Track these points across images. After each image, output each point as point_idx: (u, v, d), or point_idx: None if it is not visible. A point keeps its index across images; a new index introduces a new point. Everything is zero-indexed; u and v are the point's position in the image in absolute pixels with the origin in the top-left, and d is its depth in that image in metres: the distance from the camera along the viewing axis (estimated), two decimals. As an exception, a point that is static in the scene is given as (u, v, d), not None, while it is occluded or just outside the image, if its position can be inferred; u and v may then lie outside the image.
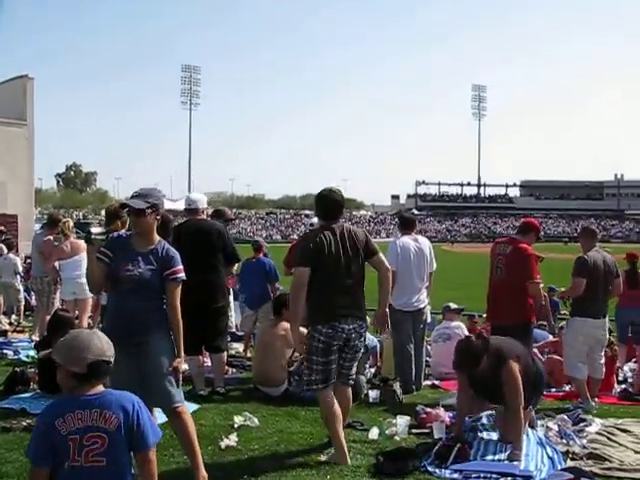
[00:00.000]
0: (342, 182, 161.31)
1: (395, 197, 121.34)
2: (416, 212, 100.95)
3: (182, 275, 4.05)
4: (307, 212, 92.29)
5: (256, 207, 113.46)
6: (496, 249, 6.70)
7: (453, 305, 8.67)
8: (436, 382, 7.55)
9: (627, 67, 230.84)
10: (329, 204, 4.79)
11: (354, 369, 4.89)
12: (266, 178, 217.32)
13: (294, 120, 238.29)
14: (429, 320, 7.40)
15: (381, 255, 4.80)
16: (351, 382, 4.90)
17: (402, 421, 5.29)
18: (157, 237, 4.11)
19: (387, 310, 4.93)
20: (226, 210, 8.15)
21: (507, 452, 4.76)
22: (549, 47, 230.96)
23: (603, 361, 6.75)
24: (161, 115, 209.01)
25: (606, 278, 6.57)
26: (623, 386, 7.88)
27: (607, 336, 6.79)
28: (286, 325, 6.42)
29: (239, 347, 9.68)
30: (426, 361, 8.12)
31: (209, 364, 6.82)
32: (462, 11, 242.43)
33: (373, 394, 6.29)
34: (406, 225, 7.16)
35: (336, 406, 4.61)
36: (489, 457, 4.76)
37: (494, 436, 5.11)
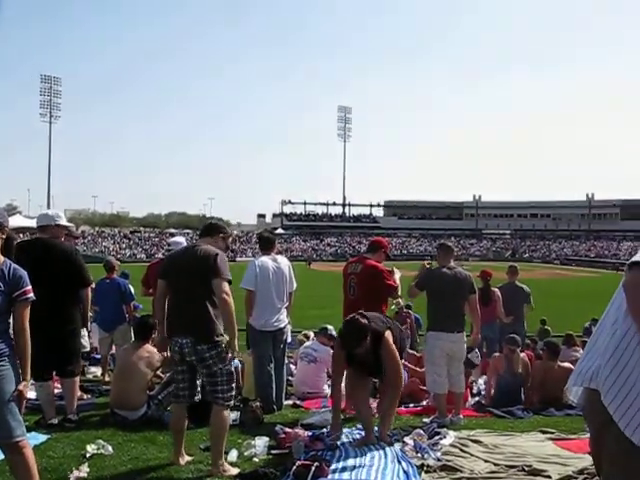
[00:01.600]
0: (208, 200, 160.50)
1: (261, 216, 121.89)
2: (282, 231, 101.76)
3: (32, 295, 3.80)
4: (172, 230, 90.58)
5: (120, 225, 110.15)
6: (348, 269, 6.87)
7: (331, 330, 8.47)
8: (298, 401, 7.54)
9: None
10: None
11: (220, 388, 4.79)
12: (130, 195, 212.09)
13: (155, 136, 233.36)
14: (289, 340, 7.39)
15: (219, 280, 4.73)
16: (221, 402, 4.80)
17: (261, 442, 5.25)
18: (1, 257, 3.84)
19: (235, 333, 4.83)
20: (70, 229, 7.82)
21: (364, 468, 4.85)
22: (408, 68, 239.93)
23: (462, 376, 6.95)
24: (19, 128, 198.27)
25: (457, 293, 6.77)
26: (477, 398, 8.21)
27: (464, 350, 7.01)
28: (149, 348, 6.35)
29: (97, 371, 9.30)
30: (288, 380, 8.13)
31: (61, 390, 6.46)
32: (331, 32, 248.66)
33: (233, 415, 6.17)
34: (265, 245, 7.13)
35: (178, 422, 4.93)
36: (348, 469, 4.84)
37: (352, 454, 5.17)
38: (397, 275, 6.83)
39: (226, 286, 4.73)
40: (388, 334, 5.44)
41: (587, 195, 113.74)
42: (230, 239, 5.22)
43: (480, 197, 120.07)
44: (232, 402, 4.97)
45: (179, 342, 4.80)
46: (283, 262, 7.06)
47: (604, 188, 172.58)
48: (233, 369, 4.96)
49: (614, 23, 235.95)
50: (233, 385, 4.89)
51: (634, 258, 2.35)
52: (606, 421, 2.40)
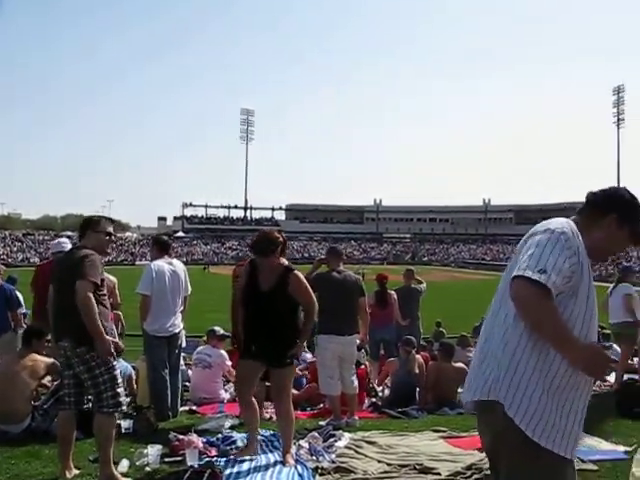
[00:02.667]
0: (107, 202, 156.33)
1: (162, 219, 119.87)
2: (183, 234, 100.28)
3: None
4: (69, 233, 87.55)
5: (12, 227, 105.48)
6: (237, 272, 6.80)
7: (219, 330, 8.44)
8: (194, 407, 7.42)
9: (386, 98, 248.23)
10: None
11: (105, 395, 4.58)
12: (23, 196, 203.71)
13: (54, 134, 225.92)
14: (184, 344, 7.26)
15: (80, 282, 4.47)
16: (105, 410, 4.59)
17: (153, 450, 5.10)
18: None
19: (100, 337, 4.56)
20: None
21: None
22: (310, 70, 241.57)
23: (355, 377, 7.02)
24: None
25: (347, 296, 6.83)
26: (373, 400, 8.32)
27: (355, 353, 7.08)
28: (35, 356, 6.06)
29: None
30: (185, 385, 7.99)
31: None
32: (235, 35, 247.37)
33: (125, 424, 6.01)
34: (161, 248, 6.97)
35: (64, 430, 4.73)
36: (243, 474, 4.82)
37: (246, 459, 5.13)
38: None
39: (87, 288, 4.47)
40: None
41: (484, 200, 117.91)
42: (107, 236, 4.83)
43: (381, 201, 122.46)
44: (120, 408, 4.75)
45: (62, 346, 4.63)
46: (179, 266, 6.94)
47: (500, 194, 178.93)
48: (117, 373, 4.74)
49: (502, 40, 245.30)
50: (119, 391, 4.67)
51: (515, 272, 2.42)
52: (505, 428, 2.47)
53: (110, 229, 4.88)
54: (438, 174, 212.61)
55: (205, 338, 9.02)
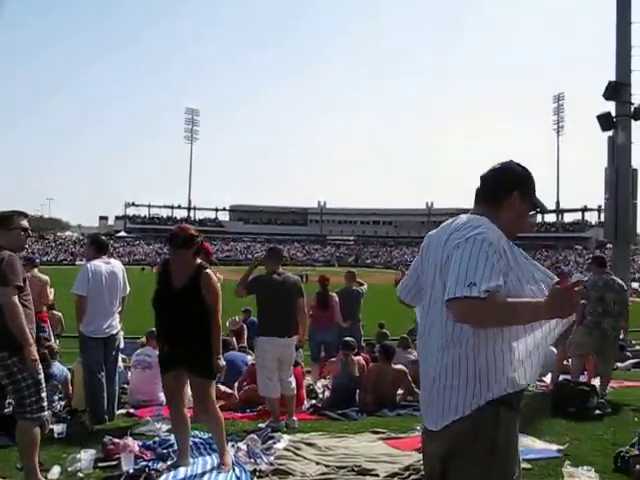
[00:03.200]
0: (46, 201, 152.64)
1: (103, 218, 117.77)
2: (125, 234, 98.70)
3: None
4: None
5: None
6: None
7: None
8: (131, 410, 7.28)
9: (332, 99, 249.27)
10: None
11: (28, 401, 4.41)
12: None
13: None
14: (122, 346, 7.13)
15: (4, 290, 4.31)
16: (28, 416, 4.42)
17: (86, 455, 4.99)
18: None
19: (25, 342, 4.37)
20: None
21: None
22: (256, 70, 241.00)
23: (292, 378, 7.01)
24: None
25: (286, 298, 6.80)
26: (313, 401, 8.32)
27: (294, 354, 7.08)
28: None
29: None
30: (123, 388, 7.85)
31: None
32: (180, 33, 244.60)
33: (58, 428, 5.85)
34: (99, 248, 6.84)
35: None
36: (179, 478, 4.77)
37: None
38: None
39: (11, 294, 4.31)
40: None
41: (427, 204, 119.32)
42: (22, 231, 4.58)
43: (325, 203, 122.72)
44: (43, 414, 4.55)
45: None
46: (117, 266, 6.82)
47: (443, 198, 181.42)
48: (41, 377, 4.56)
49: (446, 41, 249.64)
50: (43, 395, 4.49)
51: (447, 296, 2.34)
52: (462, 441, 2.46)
53: (25, 223, 4.65)
54: (382, 177, 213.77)
55: (144, 339, 8.88)
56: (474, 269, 2.31)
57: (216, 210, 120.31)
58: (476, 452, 2.44)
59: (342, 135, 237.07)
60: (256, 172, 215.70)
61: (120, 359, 7.42)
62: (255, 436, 5.75)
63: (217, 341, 4.99)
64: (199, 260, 4.99)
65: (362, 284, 11.22)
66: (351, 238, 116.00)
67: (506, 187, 2.65)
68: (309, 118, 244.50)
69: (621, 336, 9.07)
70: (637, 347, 13.27)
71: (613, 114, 17.78)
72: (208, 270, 4.94)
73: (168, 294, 4.90)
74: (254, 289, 6.80)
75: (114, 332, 6.66)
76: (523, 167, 2.72)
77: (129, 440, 5.38)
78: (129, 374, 8.51)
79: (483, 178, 2.73)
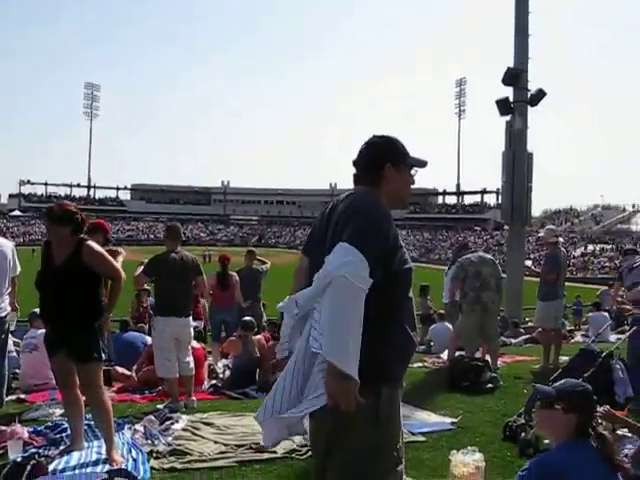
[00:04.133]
0: None
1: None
2: (19, 213, 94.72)
3: None
4: None
5: None
6: None
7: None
8: (22, 396, 7.01)
9: (237, 81, 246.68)
10: None
11: None
12: None
13: None
14: (12, 328, 6.83)
15: None
16: None
17: (-32, 445, 4.76)
18: None
19: None
20: None
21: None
22: (162, 48, 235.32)
23: (191, 358, 6.93)
24: None
25: (184, 277, 6.71)
26: (213, 381, 8.25)
27: (191, 334, 7.00)
28: None
29: None
30: (15, 373, 7.56)
31: None
32: (81, 4, 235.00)
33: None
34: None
35: None
36: (73, 463, 4.63)
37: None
38: (120, 257, 6.44)
39: None
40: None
41: (330, 184, 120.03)
42: None
43: (229, 183, 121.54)
44: None
45: None
46: (6, 245, 6.49)
47: (346, 178, 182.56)
48: None
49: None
50: None
51: (336, 271, 2.30)
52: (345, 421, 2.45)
53: None
54: (286, 158, 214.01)
55: (29, 321, 8.53)
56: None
57: (117, 189, 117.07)
58: (360, 423, 2.48)
59: (247, 114, 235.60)
60: (159, 151, 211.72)
61: (11, 343, 7.13)
62: (153, 417, 5.67)
63: (114, 298, 4.84)
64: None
65: (265, 262, 11.18)
66: (255, 218, 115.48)
67: (377, 164, 2.69)
68: (213, 97, 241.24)
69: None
70: (530, 324, 13.82)
71: (511, 100, 18.41)
72: (90, 242, 4.74)
73: (50, 273, 4.70)
74: (153, 271, 6.65)
75: (3, 314, 6.35)
76: (384, 137, 2.75)
77: (17, 427, 5.16)
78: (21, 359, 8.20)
79: (355, 163, 2.76)
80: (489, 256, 8.90)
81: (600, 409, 4.85)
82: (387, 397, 2.54)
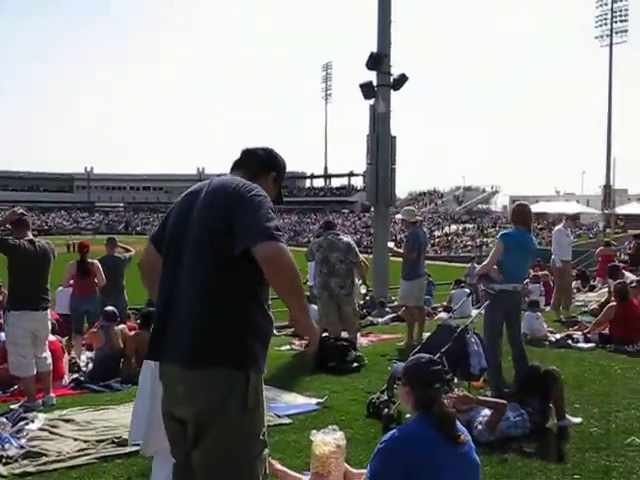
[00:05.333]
0: None
1: None
2: None
3: None
4: None
5: None
6: None
7: None
8: None
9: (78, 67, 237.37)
10: None
11: None
12: None
13: None
14: None
15: None
16: None
17: None
18: None
19: None
20: None
21: None
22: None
23: (47, 354, 6.59)
24: None
25: (41, 268, 6.40)
26: (75, 375, 7.94)
27: (50, 328, 6.69)
28: None
29: None
30: None
31: None
32: None
33: None
34: None
35: None
36: None
37: None
38: None
39: None
40: None
41: (198, 169, 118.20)
42: None
43: (92, 169, 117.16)
44: None
45: None
46: None
47: (214, 163, 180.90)
48: None
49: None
50: None
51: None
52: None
53: None
54: (154, 142, 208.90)
55: None
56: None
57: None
58: (229, 410, 2.51)
59: (107, 99, 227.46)
60: (15, 136, 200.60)
61: None
62: (4, 419, 5.36)
63: None
64: None
65: (129, 250, 10.84)
66: (121, 205, 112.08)
67: (269, 166, 2.97)
68: (67, 81, 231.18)
69: (363, 290, 9.52)
70: (395, 303, 14.21)
71: (375, 84, 18.77)
72: None
73: None
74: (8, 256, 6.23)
75: None
76: (280, 157, 3.06)
77: None
78: None
79: (252, 152, 2.99)
80: (346, 239, 8.82)
81: (455, 393, 5.13)
82: (254, 382, 2.57)
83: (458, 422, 3.10)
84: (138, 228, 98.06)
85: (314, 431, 3.81)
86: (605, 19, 69.85)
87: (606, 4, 69.71)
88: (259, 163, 2.94)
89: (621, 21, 69.04)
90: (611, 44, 68.33)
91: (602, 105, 69.47)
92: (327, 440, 3.66)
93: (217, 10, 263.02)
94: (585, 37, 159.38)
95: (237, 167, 2.92)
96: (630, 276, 12.60)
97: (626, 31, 68.84)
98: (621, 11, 69.18)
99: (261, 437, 2.61)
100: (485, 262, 6.36)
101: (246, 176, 2.80)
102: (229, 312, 2.53)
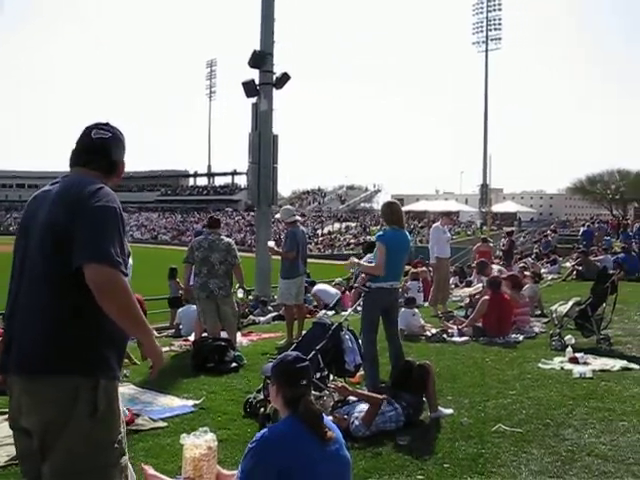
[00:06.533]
0: None
1: None
2: None
3: None
4: None
5: None
6: None
7: None
8: None
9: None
10: None
11: None
12: None
13: None
14: None
15: None
16: None
17: None
18: None
19: None
20: None
21: None
22: None
23: None
24: None
25: None
26: None
27: None
28: None
29: None
30: None
31: None
32: None
33: None
34: None
35: None
36: None
37: None
38: None
39: None
40: None
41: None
42: None
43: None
44: None
45: None
46: None
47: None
48: None
49: None
50: None
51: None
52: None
53: None
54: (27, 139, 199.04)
55: None
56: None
57: None
58: (77, 419, 2.42)
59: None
60: None
61: None
62: None
63: None
64: None
65: None
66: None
67: (119, 158, 2.78)
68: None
69: (240, 295, 9.47)
70: (277, 301, 14.25)
71: (257, 82, 18.69)
72: None
73: None
74: None
75: None
76: (119, 132, 2.81)
77: None
78: None
79: (102, 145, 2.71)
80: (227, 240, 8.77)
81: (334, 385, 5.20)
82: (106, 389, 2.49)
83: (327, 419, 3.12)
84: (11, 228, 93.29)
85: (184, 434, 3.76)
86: (481, 27, 73.05)
87: (481, 12, 72.92)
88: (106, 155, 2.73)
89: (496, 29, 72.44)
90: (487, 50, 71.57)
91: (479, 108, 72.59)
92: (198, 443, 3.61)
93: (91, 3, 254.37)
94: (464, 43, 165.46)
95: (84, 161, 2.70)
96: (498, 269, 13.24)
97: (500, 39, 72.34)
98: (495, 20, 72.57)
99: (116, 445, 2.52)
100: (373, 265, 6.25)
101: (95, 172, 2.67)
102: (73, 320, 2.43)
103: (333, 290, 15.27)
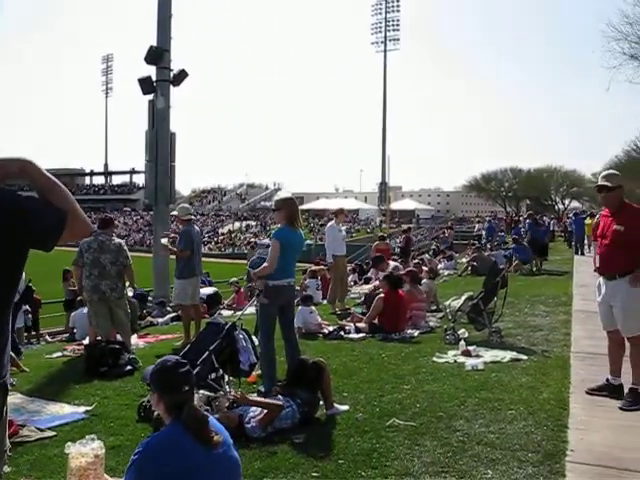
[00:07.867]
0: None
1: None
2: None
3: None
4: None
5: None
6: None
7: None
8: None
9: None
10: None
11: None
12: None
13: None
14: None
15: None
16: None
17: None
18: None
19: None
20: None
21: None
22: None
23: None
24: None
25: None
26: None
27: None
28: None
29: None
30: None
31: None
32: None
33: None
34: None
35: None
36: None
37: None
38: None
39: None
40: None
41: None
42: None
43: None
44: None
45: None
46: None
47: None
48: None
49: None
50: None
51: None
52: None
53: None
54: None
55: None
56: None
57: None
58: None
59: None
60: None
61: None
62: None
63: None
64: None
65: None
66: None
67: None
68: None
69: (130, 293, 9.27)
70: (173, 302, 14.04)
71: (154, 79, 18.31)
72: None
73: None
74: None
75: None
76: None
77: None
78: None
79: None
80: (117, 241, 8.54)
81: (232, 394, 5.13)
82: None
83: (213, 421, 3.06)
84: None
85: (69, 443, 3.62)
86: (379, 27, 74.32)
87: (380, 13, 74.21)
88: None
89: (394, 30, 73.87)
90: (385, 50, 72.90)
91: (378, 107, 73.78)
92: (84, 451, 3.49)
93: None
94: (362, 42, 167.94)
95: None
96: (394, 265, 13.51)
97: (398, 39, 73.84)
98: (394, 21, 74.04)
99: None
100: (266, 264, 6.16)
101: None
102: None
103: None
